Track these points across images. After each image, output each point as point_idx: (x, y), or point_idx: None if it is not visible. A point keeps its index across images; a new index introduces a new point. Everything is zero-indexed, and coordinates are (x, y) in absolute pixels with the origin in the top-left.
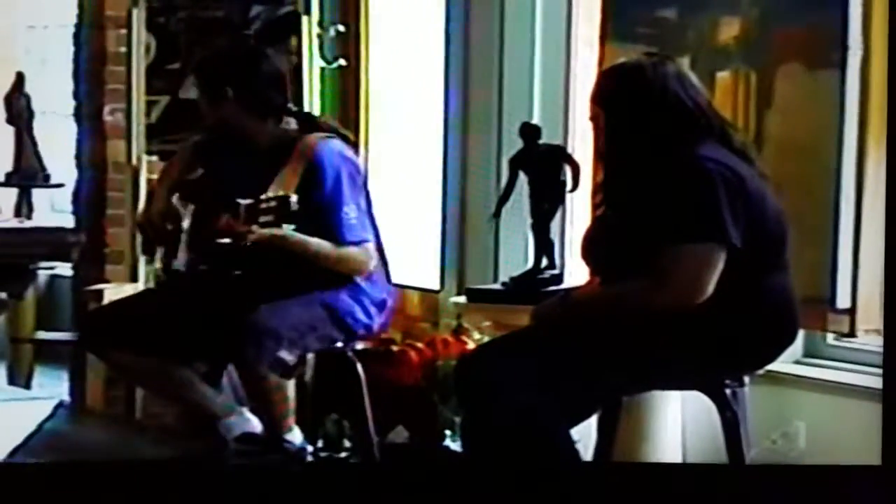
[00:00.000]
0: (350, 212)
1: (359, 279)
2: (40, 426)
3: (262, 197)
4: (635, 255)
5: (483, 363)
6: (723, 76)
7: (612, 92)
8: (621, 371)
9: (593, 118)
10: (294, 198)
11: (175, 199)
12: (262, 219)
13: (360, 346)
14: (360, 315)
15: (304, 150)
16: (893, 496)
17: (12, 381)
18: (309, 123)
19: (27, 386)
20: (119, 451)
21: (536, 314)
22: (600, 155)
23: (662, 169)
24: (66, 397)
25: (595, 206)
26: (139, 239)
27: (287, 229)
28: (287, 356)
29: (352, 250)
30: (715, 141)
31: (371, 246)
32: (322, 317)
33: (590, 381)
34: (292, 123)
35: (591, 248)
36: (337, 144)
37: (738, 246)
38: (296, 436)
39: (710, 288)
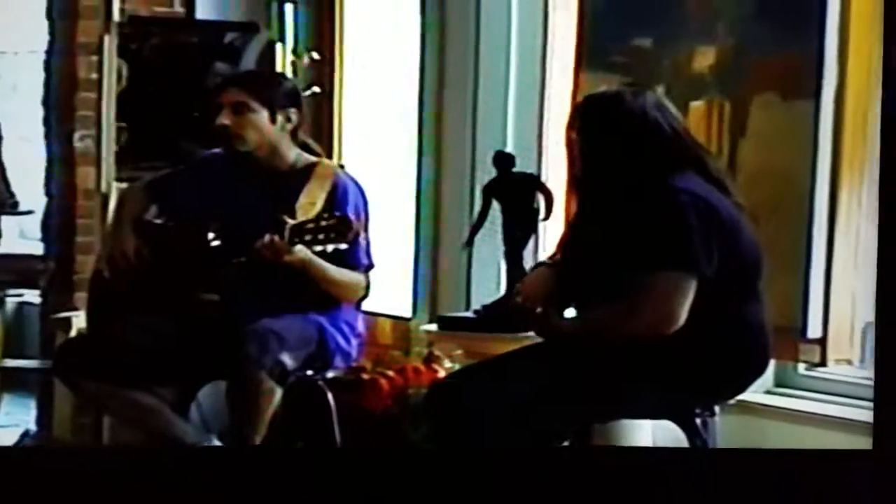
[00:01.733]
0: (367, 238)
1: (343, 305)
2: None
3: (313, 216)
4: (608, 281)
5: (455, 391)
6: (697, 105)
7: (591, 119)
8: (593, 399)
9: (569, 145)
10: (353, 217)
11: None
12: (319, 237)
13: (330, 374)
14: (341, 341)
15: (325, 173)
16: (884, 481)
17: None
18: (306, 148)
19: None
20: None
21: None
22: (575, 182)
23: (636, 198)
24: (33, 426)
25: (559, 245)
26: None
27: (302, 251)
28: (288, 360)
29: (360, 277)
30: (691, 170)
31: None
32: (312, 337)
33: (561, 408)
34: None
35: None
36: (350, 177)
37: (709, 276)
38: None
39: (682, 316)
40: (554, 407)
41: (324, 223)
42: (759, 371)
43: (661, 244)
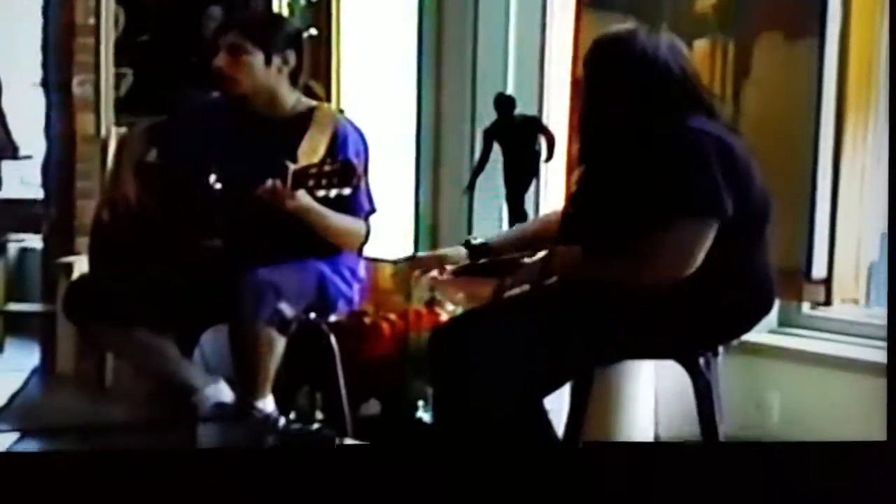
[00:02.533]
0: (366, 183)
1: (344, 251)
2: (14, 396)
3: (316, 161)
4: (620, 227)
5: (457, 335)
6: (700, 45)
7: (601, 60)
8: (596, 340)
9: (578, 84)
10: (357, 162)
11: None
12: (322, 182)
13: (333, 318)
14: (343, 286)
15: (325, 119)
16: None
17: None
18: (308, 91)
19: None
20: (91, 417)
21: (518, 278)
22: (582, 125)
23: (652, 140)
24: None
25: (577, 180)
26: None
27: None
28: (286, 309)
29: (360, 223)
30: (703, 114)
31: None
32: (312, 284)
33: (564, 350)
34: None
35: (569, 224)
36: (350, 122)
37: (728, 219)
38: (267, 403)
39: (699, 261)
40: (556, 350)
41: (327, 168)
42: (765, 312)
43: (684, 188)
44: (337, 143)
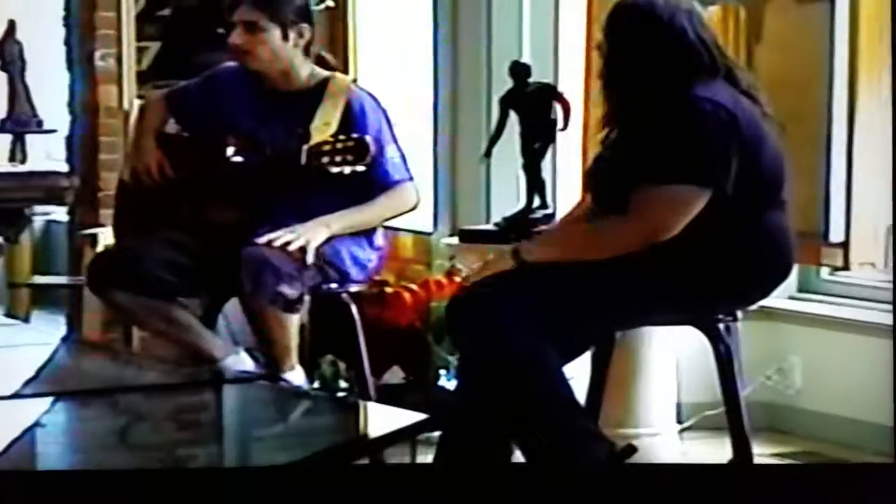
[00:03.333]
0: (394, 152)
1: None
2: (41, 368)
3: (329, 138)
4: (625, 189)
5: (475, 303)
6: (712, 10)
7: (619, 24)
8: (615, 306)
9: (600, 49)
10: (370, 139)
11: None
12: (336, 159)
13: (354, 287)
14: (358, 251)
15: (339, 90)
16: None
17: (10, 314)
18: (322, 62)
19: (27, 319)
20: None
21: (516, 254)
22: (606, 86)
23: (660, 106)
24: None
25: (602, 141)
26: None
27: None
28: (288, 290)
29: (398, 194)
30: (720, 80)
31: (414, 183)
32: (316, 255)
33: (584, 317)
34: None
35: (591, 182)
36: (365, 90)
37: (727, 191)
38: (296, 375)
39: (678, 228)
40: (576, 315)
41: (340, 145)
42: (783, 276)
43: (673, 156)
44: (352, 115)
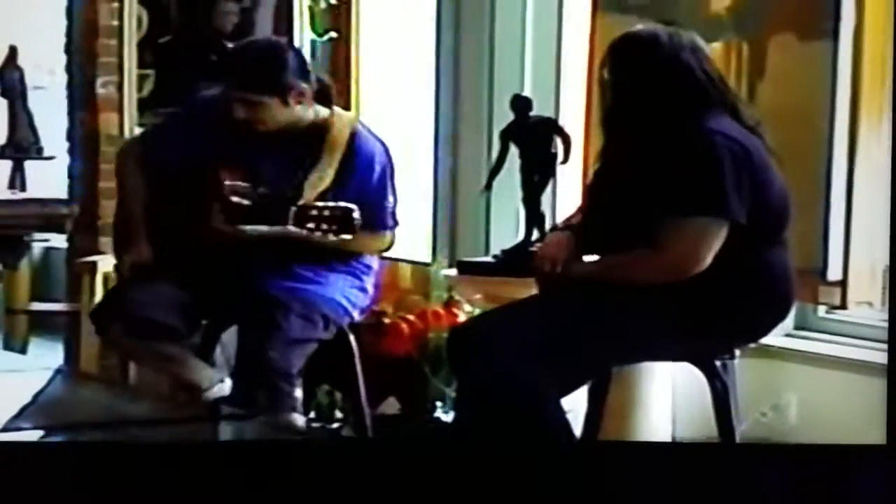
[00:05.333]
0: (389, 201)
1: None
2: (39, 393)
3: (319, 204)
4: (635, 224)
5: (476, 333)
6: (715, 47)
7: (622, 59)
8: (616, 340)
9: (601, 85)
10: (357, 212)
11: None
12: (321, 227)
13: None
14: (358, 297)
15: (340, 136)
16: None
17: (8, 346)
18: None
19: (23, 351)
20: (115, 415)
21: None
22: (604, 124)
23: (669, 140)
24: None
25: (596, 172)
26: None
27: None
28: (298, 393)
29: (380, 237)
30: (726, 114)
31: (395, 230)
32: (321, 305)
33: (584, 350)
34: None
35: (590, 217)
36: (369, 130)
37: (742, 222)
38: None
39: (708, 261)
40: (575, 349)
41: (327, 213)
42: (783, 315)
43: (693, 188)
44: (356, 164)
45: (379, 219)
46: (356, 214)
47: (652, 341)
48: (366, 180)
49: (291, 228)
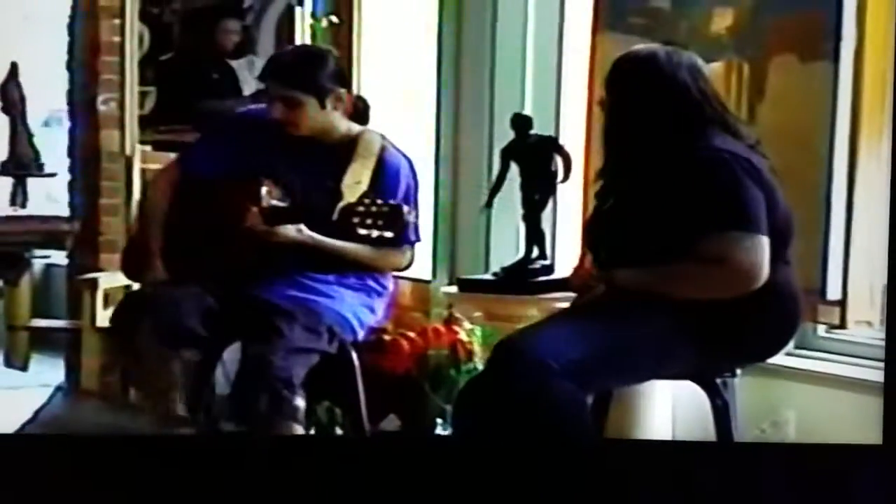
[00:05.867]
0: (414, 217)
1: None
2: (39, 411)
3: (367, 200)
4: (645, 242)
5: (528, 345)
6: (715, 67)
7: (622, 79)
8: (619, 368)
9: (602, 104)
10: (406, 208)
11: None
12: (367, 222)
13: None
14: (366, 315)
15: (370, 148)
16: (894, 476)
17: (9, 364)
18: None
19: (24, 368)
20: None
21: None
22: (605, 144)
23: (677, 159)
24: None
25: (597, 194)
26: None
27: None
28: (301, 402)
29: (401, 253)
30: (726, 133)
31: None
32: (330, 319)
33: (592, 369)
34: None
35: (593, 237)
36: (394, 146)
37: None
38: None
39: (767, 271)
40: (585, 369)
41: (375, 209)
42: (791, 334)
43: (732, 205)
44: (384, 175)
45: (403, 233)
46: (405, 209)
47: (668, 360)
48: (392, 191)
49: (320, 238)
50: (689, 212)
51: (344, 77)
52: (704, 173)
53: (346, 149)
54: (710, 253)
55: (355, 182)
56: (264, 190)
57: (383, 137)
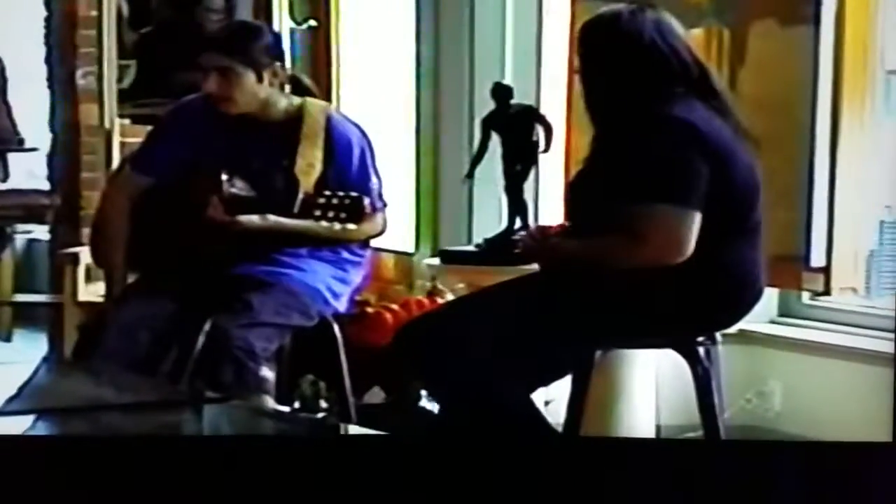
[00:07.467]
0: (374, 183)
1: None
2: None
3: (327, 193)
4: (608, 209)
5: (425, 329)
6: (695, 33)
7: (589, 43)
8: (584, 328)
9: (575, 73)
10: (367, 200)
11: None
12: (328, 215)
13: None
14: (340, 285)
15: (316, 124)
16: None
17: None
18: (296, 82)
19: (7, 339)
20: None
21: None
22: (586, 106)
23: (635, 124)
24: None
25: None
26: None
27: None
28: (268, 372)
29: (370, 219)
30: (692, 94)
31: (385, 211)
32: (301, 317)
33: (555, 337)
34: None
35: (571, 197)
36: (343, 115)
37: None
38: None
39: (691, 246)
40: (547, 337)
41: (336, 201)
42: (752, 302)
43: (662, 176)
44: (336, 150)
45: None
46: (366, 202)
47: (624, 329)
48: (346, 165)
49: (285, 220)
50: (629, 180)
51: (282, 52)
52: (647, 141)
53: (292, 125)
54: (634, 224)
55: (308, 165)
56: (224, 177)
57: (328, 108)
